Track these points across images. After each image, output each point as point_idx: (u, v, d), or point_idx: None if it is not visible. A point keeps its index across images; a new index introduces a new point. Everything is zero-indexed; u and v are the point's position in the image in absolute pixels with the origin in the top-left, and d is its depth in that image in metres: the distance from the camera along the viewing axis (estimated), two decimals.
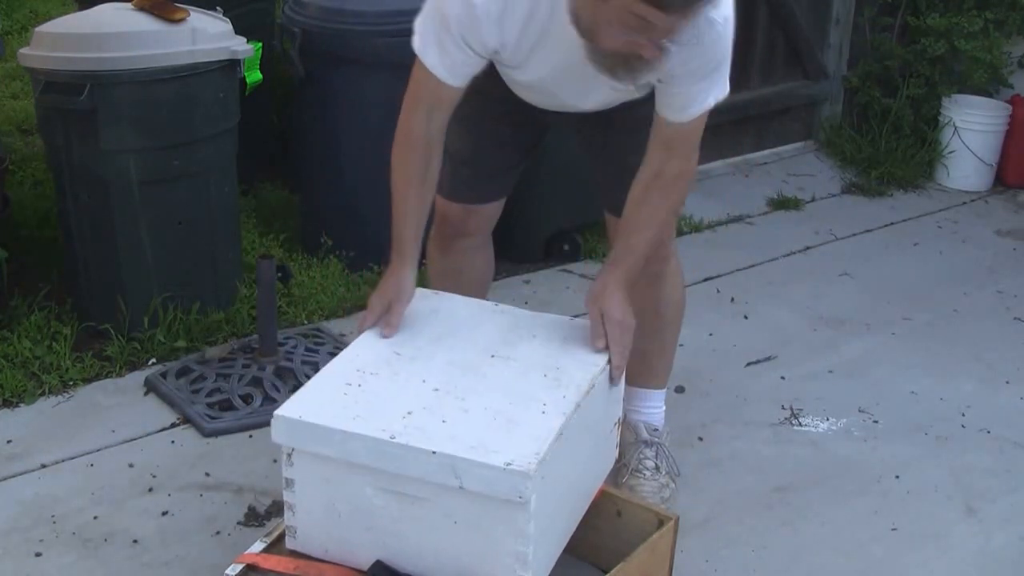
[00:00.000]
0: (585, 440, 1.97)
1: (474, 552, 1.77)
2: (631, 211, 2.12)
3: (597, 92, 2.10)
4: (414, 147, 2.09)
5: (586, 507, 2.11)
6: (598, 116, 2.24)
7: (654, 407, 2.51)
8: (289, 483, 1.86)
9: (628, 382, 2.33)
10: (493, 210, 2.48)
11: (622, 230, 2.14)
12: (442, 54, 1.97)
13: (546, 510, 1.81)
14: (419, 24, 2.01)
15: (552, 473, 1.80)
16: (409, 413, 1.80)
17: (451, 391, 1.88)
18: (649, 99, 2.08)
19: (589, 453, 2.04)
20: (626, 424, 2.39)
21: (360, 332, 2.06)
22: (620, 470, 2.42)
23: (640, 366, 2.36)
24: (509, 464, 1.69)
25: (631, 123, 2.17)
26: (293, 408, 1.83)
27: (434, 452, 1.71)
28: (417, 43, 2.01)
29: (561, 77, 2.05)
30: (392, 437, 1.74)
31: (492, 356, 2.00)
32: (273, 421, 1.82)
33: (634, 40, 1.74)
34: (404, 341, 2.03)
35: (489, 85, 2.12)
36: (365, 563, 1.86)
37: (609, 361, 2.01)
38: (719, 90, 2.03)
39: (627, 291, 2.10)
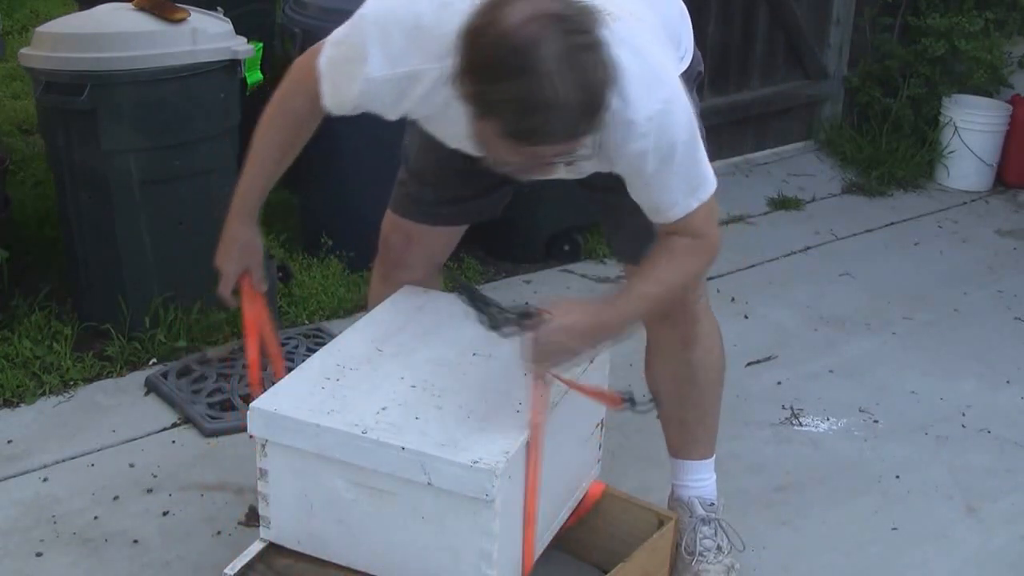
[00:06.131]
0: (562, 441, 1.96)
1: (441, 548, 1.78)
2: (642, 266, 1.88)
3: None
4: (287, 124, 2.04)
5: (567, 509, 2.10)
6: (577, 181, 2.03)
7: (703, 479, 2.28)
8: (263, 474, 1.87)
9: (673, 455, 2.28)
10: (438, 241, 2.25)
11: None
12: (335, 93, 1.86)
13: (514, 509, 1.81)
14: (334, 44, 1.88)
15: (522, 473, 1.80)
16: (384, 409, 1.81)
17: (428, 388, 1.88)
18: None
19: (567, 454, 2.03)
20: (679, 501, 2.27)
21: (223, 295, 2.03)
22: (682, 557, 2.24)
23: (683, 437, 2.24)
24: (476, 462, 1.69)
25: (615, 186, 1.88)
26: (269, 401, 1.84)
27: (403, 448, 1.72)
28: (323, 60, 1.87)
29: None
30: (364, 432, 1.75)
31: (474, 354, 1.99)
32: (249, 413, 1.83)
33: (523, 161, 1.60)
34: (388, 337, 2.03)
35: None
36: (336, 555, 1.87)
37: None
38: (690, 195, 1.77)
39: (600, 320, 1.80)
